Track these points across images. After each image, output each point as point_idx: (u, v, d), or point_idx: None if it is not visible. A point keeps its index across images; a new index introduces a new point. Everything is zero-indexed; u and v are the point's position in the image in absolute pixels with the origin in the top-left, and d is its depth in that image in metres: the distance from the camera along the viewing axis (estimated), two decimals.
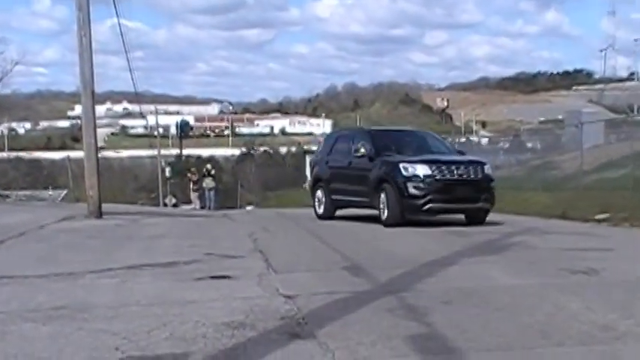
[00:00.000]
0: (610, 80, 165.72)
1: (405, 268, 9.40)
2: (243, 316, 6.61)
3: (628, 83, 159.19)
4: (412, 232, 14.83)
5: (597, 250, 11.24)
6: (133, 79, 51.09)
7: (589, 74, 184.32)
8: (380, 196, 16.43)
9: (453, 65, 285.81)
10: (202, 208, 39.34)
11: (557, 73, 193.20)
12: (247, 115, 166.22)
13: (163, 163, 61.90)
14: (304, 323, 6.39)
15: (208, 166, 44.44)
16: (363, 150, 17.33)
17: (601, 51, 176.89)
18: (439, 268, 9.42)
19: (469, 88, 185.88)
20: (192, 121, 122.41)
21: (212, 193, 40.48)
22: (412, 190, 15.90)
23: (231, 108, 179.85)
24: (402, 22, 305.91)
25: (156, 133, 69.52)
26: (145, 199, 60.56)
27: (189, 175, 43.48)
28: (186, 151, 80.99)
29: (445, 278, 8.65)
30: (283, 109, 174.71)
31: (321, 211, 19.25)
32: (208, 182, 40.55)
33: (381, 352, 5.49)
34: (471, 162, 17.33)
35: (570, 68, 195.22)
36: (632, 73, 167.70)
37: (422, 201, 15.95)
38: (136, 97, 55.41)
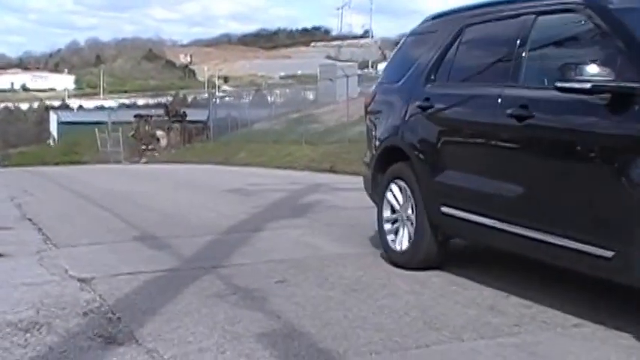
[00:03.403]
0: (346, 37, 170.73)
1: (208, 237, 7.95)
2: (33, 312, 4.96)
3: (363, 40, 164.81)
4: (185, 191, 13.36)
5: None
6: None
7: (327, 31, 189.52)
8: None
9: (195, 21, 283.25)
10: None
11: (297, 30, 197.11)
12: None
13: None
14: (116, 319, 4.83)
15: None
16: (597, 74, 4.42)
17: (338, 9, 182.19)
18: (248, 235, 8.05)
19: (212, 44, 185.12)
20: None
21: None
22: None
23: None
24: None
25: None
26: None
27: None
28: None
29: (262, 249, 7.28)
30: (23, 64, 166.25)
31: (403, 243, 6.35)
32: None
33: None
34: None
35: (309, 26, 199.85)
36: (367, 31, 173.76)
37: None
38: None
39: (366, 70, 58.59)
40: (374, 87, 7.59)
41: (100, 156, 44.26)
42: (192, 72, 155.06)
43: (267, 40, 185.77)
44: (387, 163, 6.60)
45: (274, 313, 4.91)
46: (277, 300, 5.25)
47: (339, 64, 56.32)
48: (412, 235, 6.15)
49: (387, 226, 6.55)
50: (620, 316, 4.61)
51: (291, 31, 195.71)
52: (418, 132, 6.20)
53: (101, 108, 78.98)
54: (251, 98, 46.23)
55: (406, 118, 6.35)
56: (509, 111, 5.04)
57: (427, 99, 6.13)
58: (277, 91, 50.02)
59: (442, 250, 6.14)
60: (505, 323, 4.64)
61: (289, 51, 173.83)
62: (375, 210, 6.81)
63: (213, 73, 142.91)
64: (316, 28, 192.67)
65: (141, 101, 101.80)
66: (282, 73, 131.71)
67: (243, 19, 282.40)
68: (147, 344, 4.30)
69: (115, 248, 7.44)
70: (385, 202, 6.58)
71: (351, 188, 13.99)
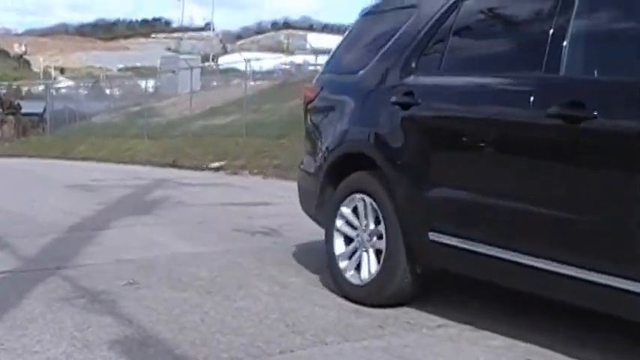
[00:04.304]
0: (187, 29, 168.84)
1: (52, 236, 7.51)
2: None
3: (204, 33, 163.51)
4: (24, 186, 12.70)
5: (255, 204, 10.25)
6: None
7: (167, 23, 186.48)
8: None
9: (29, 10, 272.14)
10: None
11: (136, 20, 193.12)
12: None
13: None
14: None
15: None
16: None
17: (179, 0, 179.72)
18: (94, 233, 7.65)
19: (48, 34, 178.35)
20: None
21: None
22: None
23: None
24: None
25: None
26: None
27: None
28: None
29: (110, 248, 6.91)
30: None
31: (363, 274, 4.97)
32: None
33: None
34: None
35: (149, 17, 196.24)
36: (208, 24, 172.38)
37: None
38: None
39: (207, 64, 58.09)
40: (317, 79, 6.08)
41: None
42: (27, 62, 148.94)
43: (105, 31, 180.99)
44: (341, 173, 5.22)
45: (126, 318, 4.61)
46: (128, 303, 4.95)
47: (181, 56, 55.38)
48: (379, 264, 4.83)
49: (340, 251, 5.17)
50: (489, 316, 4.59)
51: (131, 21, 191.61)
52: (396, 135, 4.77)
53: None
54: (89, 91, 44.97)
55: (377, 118, 4.98)
56: (552, 110, 3.77)
57: (409, 93, 4.72)
58: (116, 83, 48.82)
59: (417, 284, 4.80)
60: (369, 325, 4.53)
61: (128, 42, 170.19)
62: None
63: (49, 64, 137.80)
64: (156, 20, 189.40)
65: None
66: (121, 65, 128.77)
67: (81, 8, 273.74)
68: None
69: None
70: (338, 221, 5.19)
71: (197, 184, 13.81)
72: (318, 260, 6.21)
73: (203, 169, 18.41)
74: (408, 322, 4.60)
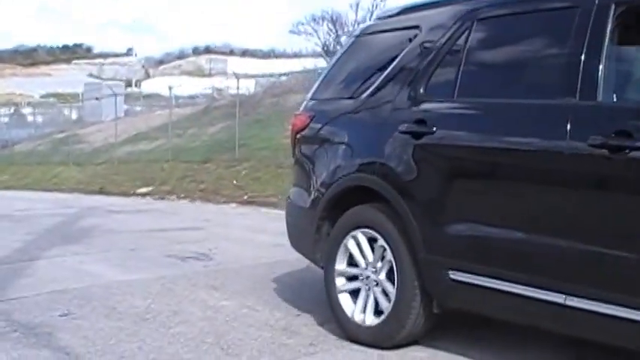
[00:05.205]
0: (109, 55, 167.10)
1: None
2: None
3: (126, 58, 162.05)
4: None
5: (184, 229, 10.33)
6: None
7: (89, 49, 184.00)
8: None
9: None
10: None
11: (57, 47, 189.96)
12: None
13: None
14: None
15: None
16: None
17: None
18: (24, 265, 7.61)
19: None
20: None
21: None
22: None
23: None
24: None
25: None
26: None
27: None
28: None
29: (42, 279, 6.89)
30: None
31: (369, 315, 4.69)
32: None
33: None
34: None
35: (70, 42, 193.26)
36: (130, 49, 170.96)
37: None
38: None
39: (129, 89, 57.71)
40: (306, 106, 5.54)
41: None
42: None
43: (25, 57, 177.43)
44: (341, 207, 4.86)
45: (63, 350, 4.66)
46: (64, 335, 4.98)
47: (105, 82, 54.85)
48: (389, 304, 4.49)
49: (344, 291, 4.83)
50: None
51: (52, 47, 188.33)
52: (408, 167, 4.40)
53: None
54: (9, 118, 44.19)
55: (383, 148, 4.56)
56: (593, 139, 3.51)
57: (420, 121, 4.38)
58: (39, 110, 48.05)
59: (430, 323, 4.52)
60: (301, 343, 4.71)
61: (49, 68, 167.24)
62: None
63: None
64: (78, 45, 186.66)
65: None
66: (43, 92, 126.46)
67: (1, 34, 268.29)
68: None
69: None
70: (340, 258, 4.83)
71: (125, 210, 13.80)
72: (248, 282, 6.37)
73: (130, 195, 18.40)
74: (338, 339, 4.78)
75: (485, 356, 4.40)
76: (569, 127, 3.62)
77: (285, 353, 4.53)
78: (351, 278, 4.79)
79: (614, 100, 3.69)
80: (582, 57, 3.67)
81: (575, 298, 3.55)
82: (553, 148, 3.69)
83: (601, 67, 3.63)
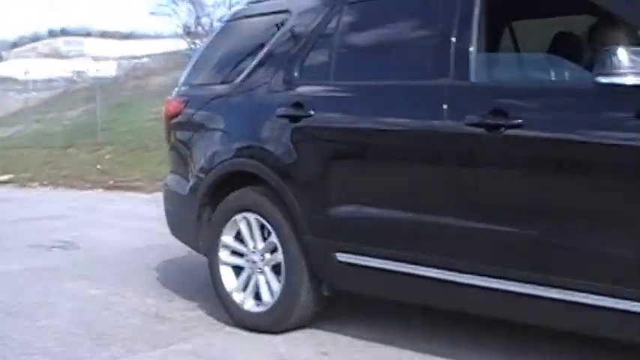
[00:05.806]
0: None
1: None
2: None
3: None
4: None
5: (48, 218, 10.04)
6: None
7: None
8: None
9: None
10: None
11: None
12: None
13: None
14: None
15: None
16: None
17: None
18: None
19: None
20: None
21: None
22: None
23: None
24: None
25: None
26: None
27: None
28: None
29: None
30: None
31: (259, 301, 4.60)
32: None
33: None
34: None
35: None
36: None
37: None
38: None
39: None
40: (179, 92, 5.35)
41: None
42: None
43: None
44: (222, 192, 4.72)
45: None
46: None
47: None
48: (278, 289, 4.41)
49: (230, 279, 4.70)
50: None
51: None
52: (287, 151, 4.30)
53: None
54: None
55: (260, 133, 4.49)
56: (471, 118, 3.56)
57: (297, 104, 4.32)
58: None
59: (320, 307, 4.49)
60: (174, 329, 4.67)
61: None
62: None
63: None
64: None
65: None
66: None
67: None
68: None
69: None
70: (223, 245, 4.71)
71: None
72: (117, 270, 6.27)
73: None
74: (210, 323, 4.78)
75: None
76: (445, 106, 3.66)
77: (159, 340, 4.48)
78: (238, 262, 4.66)
79: (487, 80, 3.77)
80: (453, 38, 3.70)
81: (459, 274, 3.61)
82: (430, 127, 3.72)
83: (472, 48, 3.67)
